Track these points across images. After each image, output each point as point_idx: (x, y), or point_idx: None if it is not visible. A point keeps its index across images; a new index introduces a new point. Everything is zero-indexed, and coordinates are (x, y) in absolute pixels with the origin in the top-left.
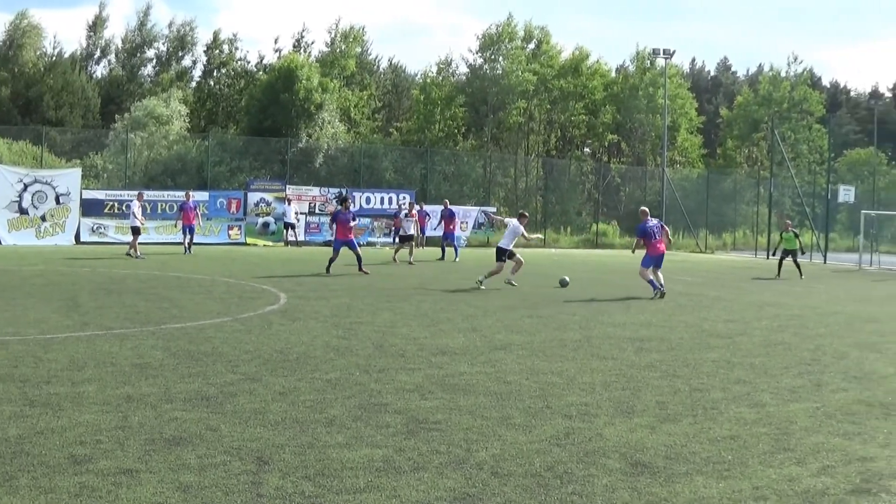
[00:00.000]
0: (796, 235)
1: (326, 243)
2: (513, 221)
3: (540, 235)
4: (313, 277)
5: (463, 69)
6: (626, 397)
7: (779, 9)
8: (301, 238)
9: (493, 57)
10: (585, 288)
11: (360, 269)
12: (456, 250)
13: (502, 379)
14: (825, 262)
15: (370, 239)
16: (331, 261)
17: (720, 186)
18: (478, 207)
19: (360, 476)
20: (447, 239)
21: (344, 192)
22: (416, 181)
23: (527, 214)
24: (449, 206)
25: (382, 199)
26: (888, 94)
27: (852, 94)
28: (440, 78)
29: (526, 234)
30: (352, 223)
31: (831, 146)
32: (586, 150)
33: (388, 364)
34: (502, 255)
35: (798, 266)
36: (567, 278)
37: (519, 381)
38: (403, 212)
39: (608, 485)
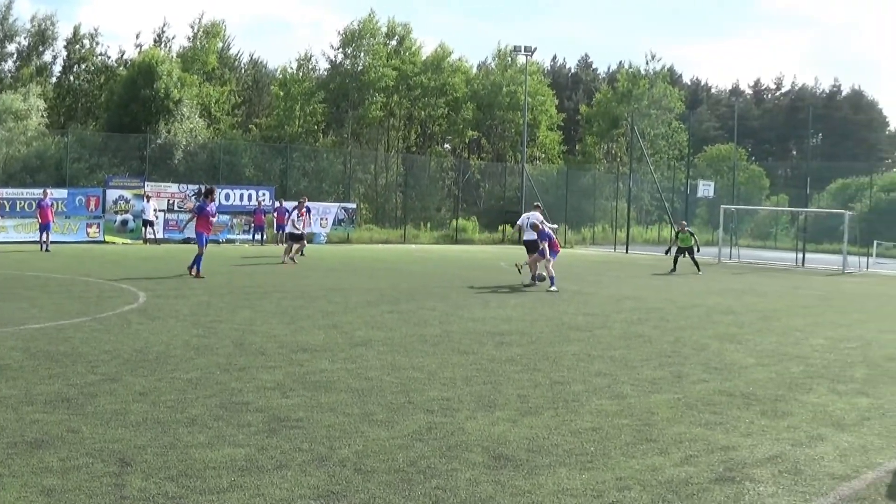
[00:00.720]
0: (692, 234)
1: (186, 241)
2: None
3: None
4: (173, 276)
5: (324, 65)
6: (487, 391)
7: (640, 6)
8: (160, 235)
9: (354, 53)
10: (444, 283)
11: (192, 269)
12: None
13: (363, 375)
14: (683, 256)
15: (229, 236)
16: (198, 258)
17: (579, 182)
18: (337, 204)
19: (223, 476)
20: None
21: (203, 187)
22: (275, 177)
23: (539, 205)
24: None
25: (242, 195)
26: (749, 91)
27: (713, 90)
28: (300, 74)
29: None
30: (212, 217)
31: (691, 142)
32: (446, 146)
33: (248, 362)
34: (533, 246)
35: (695, 262)
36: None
37: (380, 377)
38: (294, 211)
39: (471, 478)
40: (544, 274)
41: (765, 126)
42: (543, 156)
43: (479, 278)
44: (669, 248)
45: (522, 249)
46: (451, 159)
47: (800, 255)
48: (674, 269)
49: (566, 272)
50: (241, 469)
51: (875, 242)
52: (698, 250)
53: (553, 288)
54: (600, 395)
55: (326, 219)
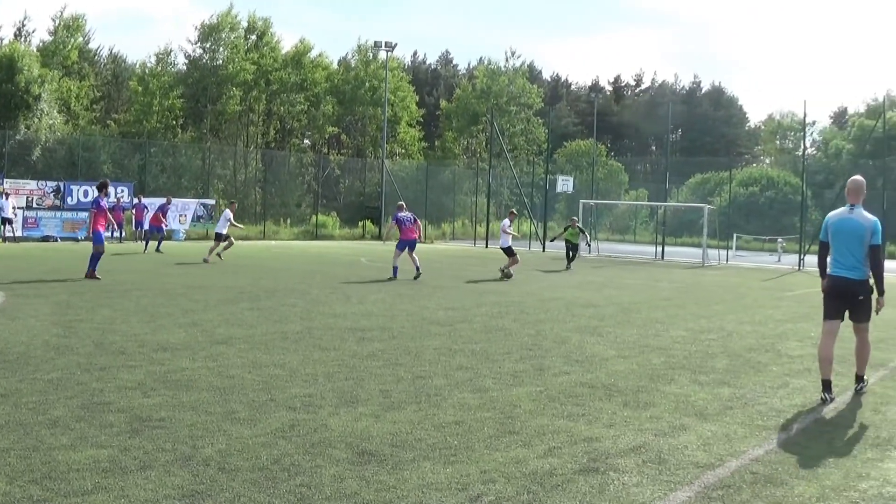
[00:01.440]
0: (581, 230)
1: (45, 238)
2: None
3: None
4: (33, 274)
5: (182, 60)
6: (349, 387)
7: (500, 3)
8: (18, 234)
9: (213, 48)
10: (305, 279)
11: (91, 273)
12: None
13: (224, 373)
14: (544, 251)
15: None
16: (96, 258)
17: (439, 178)
18: (196, 200)
19: (87, 477)
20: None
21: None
22: (133, 173)
23: (515, 212)
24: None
25: None
26: (608, 88)
27: (573, 87)
28: (159, 68)
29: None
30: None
31: (550, 138)
32: (306, 141)
33: (109, 362)
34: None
35: (571, 259)
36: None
37: (242, 375)
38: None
39: (336, 475)
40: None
41: (624, 122)
42: (403, 151)
43: (339, 274)
44: (555, 238)
45: (382, 245)
46: (311, 155)
47: (659, 249)
48: (568, 267)
49: (426, 267)
50: (104, 470)
51: (734, 235)
52: (589, 247)
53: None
54: (462, 389)
55: (185, 215)
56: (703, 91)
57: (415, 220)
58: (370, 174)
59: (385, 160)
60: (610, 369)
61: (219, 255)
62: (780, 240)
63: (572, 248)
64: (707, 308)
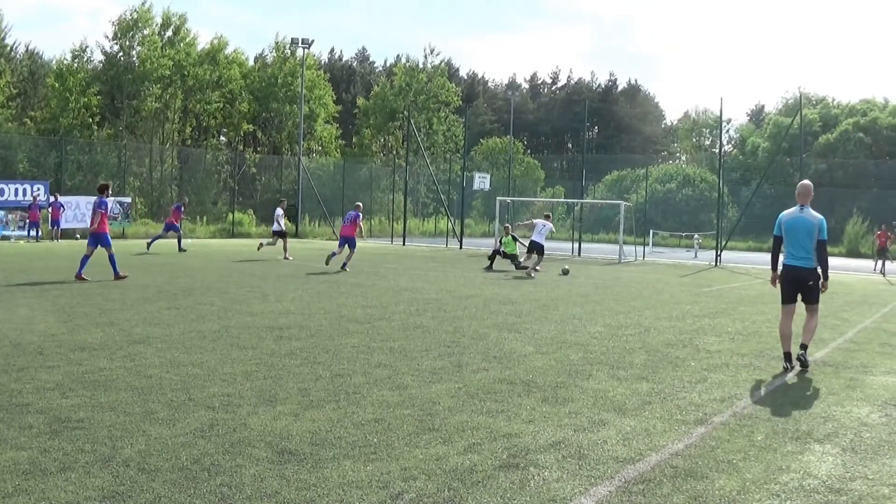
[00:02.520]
0: (515, 238)
1: None
2: (541, 221)
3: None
4: None
5: (99, 56)
6: (268, 386)
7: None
8: None
9: (128, 44)
10: (222, 277)
11: (79, 274)
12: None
13: (143, 373)
14: (461, 248)
15: (4, 232)
16: (113, 259)
17: (356, 175)
18: (112, 198)
19: (7, 480)
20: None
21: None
22: (50, 171)
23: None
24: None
25: (16, 190)
26: (525, 85)
27: (490, 84)
28: (76, 65)
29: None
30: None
31: (467, 135)
32: (222, 139)
33: (27, 362)
34: (537, 248)
35: (493, 259)
36: (567, 267)
37: (160, 375)
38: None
39: (256, 474)
40: (528, 265)
41: (541, 119)
42: (320, 148)
43: (257, 272)
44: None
45: (299, 243)
46: (227, 152)
47: (576, 246)
48: (490, 267)
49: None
50: (24, 472)
51: (651, 232)
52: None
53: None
54: (382, 387)
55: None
56: (620, 89)
57: (357, 216)
58: (287, 171)
59: (301, 158)
60: (528, 365)
61: (285, 251)
62: (696, 236)
63: (511, 258)
64: (625, 304)
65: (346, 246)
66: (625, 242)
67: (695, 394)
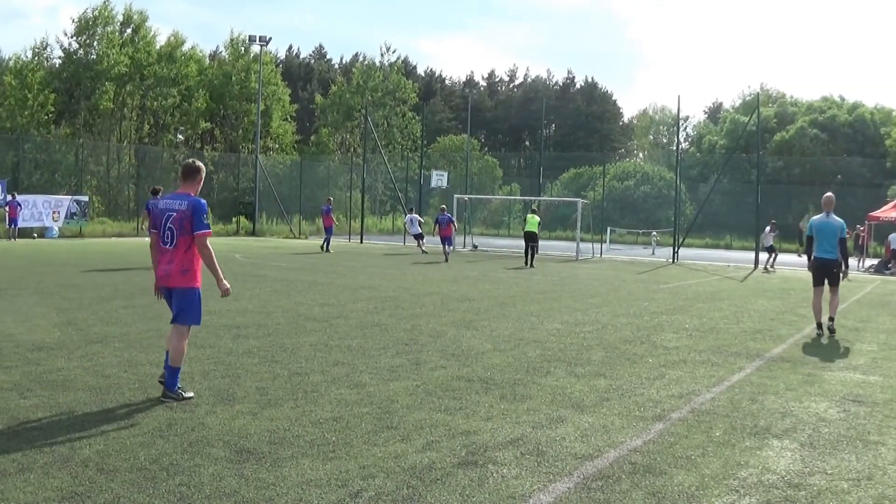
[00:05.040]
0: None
1: None
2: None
3: None
4: None
5: (58, 53)
6: (226, 385)
7: None
8: None
9: (88, 41)
10: None
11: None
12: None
13: (101, 373)
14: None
15: None
16: None
17: (314, 173)
18: (69, 196)
19: None
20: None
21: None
22: (7, 170)
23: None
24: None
25: None
26: (483, 83)
27: (447, 82)
28: (34, 62)
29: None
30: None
31: (424, 133)
32: (179, 136)
33: None
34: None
35: (421, 245)
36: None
37: (118, 375)
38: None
39: (215, 473)
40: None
41: (498, 117)
42: (277, 146)
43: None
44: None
45: (256, 241)
46: (185, 150)
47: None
48: (528, 264)
49: (302, 262)
50: None
51: (608, 229)
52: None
53: None
54: (340, 385)
55: (58, 212)
56: (577, 86)
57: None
58: (244, 169)
59: (259, 155)
60: (486, 363)
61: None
62: (654, 233)
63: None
64: (582, 301)
65: (446, 244)
66: (582, 240)
67: (653, 390)
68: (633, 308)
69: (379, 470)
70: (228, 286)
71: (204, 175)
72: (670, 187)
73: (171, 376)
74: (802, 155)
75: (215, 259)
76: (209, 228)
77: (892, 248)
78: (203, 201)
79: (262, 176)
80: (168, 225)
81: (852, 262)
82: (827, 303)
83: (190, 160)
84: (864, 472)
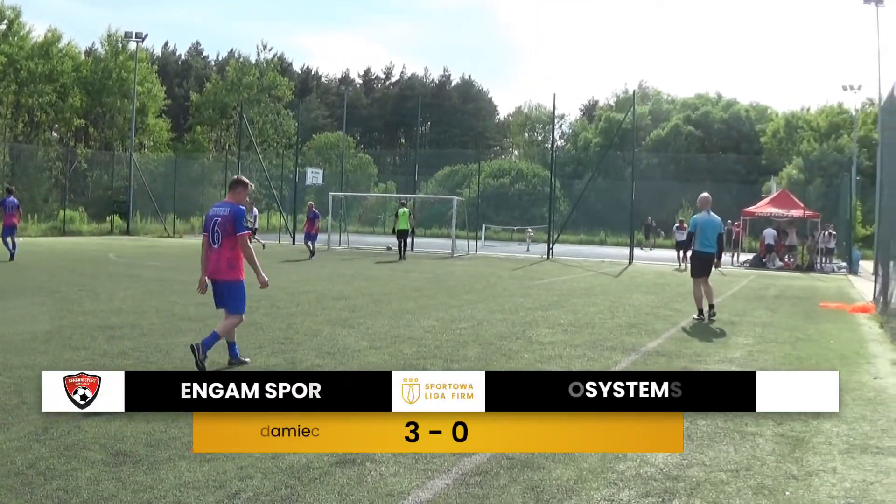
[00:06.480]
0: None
1: None
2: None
3: None
4: None
5: None
6: None
7: None
8: None
9: None
10: (53, 277)
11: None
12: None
13: None
14: (294, 244)
15: None
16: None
17: (188, 170)
18: None
19: None
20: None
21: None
22: None
23: None
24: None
25: None
26: (358, 81)
27: (323, 79)
28: None
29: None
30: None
31: (299, 130)
32: (54, 134)
33: None
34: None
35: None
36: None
37: None
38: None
39: (92, 477)
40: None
41: (374, 114)
42: (152, 144)
43: (88, 271)
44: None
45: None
46: (58, 148)
47: (408, 240)
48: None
49: (178, 262)
50: None
51: (483, 226)
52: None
53: None
54: None
55: None
56: (453, 84)
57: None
58: (118, 167)
59: (133, 153)
60: (362, 360)
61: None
62: (529, 230)
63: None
64: (457, 298)
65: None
66: (457, 237)
67: None
68: (508, 304)
69: (256, 470)
70: (267, 279)
71: (248, 188)
72: (545, 184)
73: (231, 349)
74: (677, 152)
75: (255, 255)
76: (248, 230)
77: (766, 242)
78: (242, 208)
79: (137, 174)
80: (215, 228)
81: (726, 257)
82: (704, 292)
83: (237, 176)
84: (742, 464)
